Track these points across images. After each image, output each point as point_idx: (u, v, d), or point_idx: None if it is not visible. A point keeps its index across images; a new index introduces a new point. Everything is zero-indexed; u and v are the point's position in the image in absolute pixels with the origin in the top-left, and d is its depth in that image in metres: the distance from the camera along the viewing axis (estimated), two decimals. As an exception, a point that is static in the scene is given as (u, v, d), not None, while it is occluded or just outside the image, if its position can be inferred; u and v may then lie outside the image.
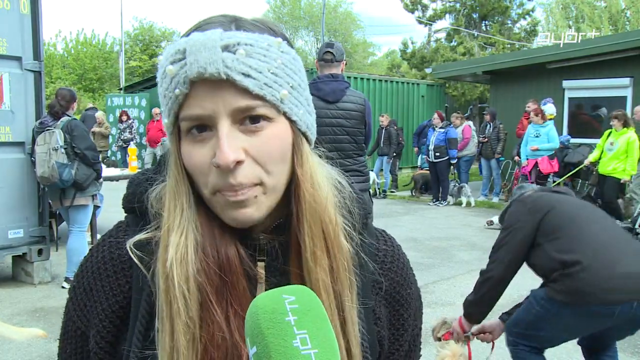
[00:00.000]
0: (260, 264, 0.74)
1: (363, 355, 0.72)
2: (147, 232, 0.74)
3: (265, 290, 0.71)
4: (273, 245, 0.74)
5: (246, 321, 0.58)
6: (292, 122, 0.70)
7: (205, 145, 0.67)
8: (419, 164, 13.64)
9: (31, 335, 3.19)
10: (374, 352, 0.77)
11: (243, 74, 0.65)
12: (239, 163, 0.65)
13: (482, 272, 2.74)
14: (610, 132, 8.09)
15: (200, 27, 0.69)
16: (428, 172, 11.76)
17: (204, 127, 0.67)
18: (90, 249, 0.81)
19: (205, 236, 0.69)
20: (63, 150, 4.88)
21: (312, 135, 0.75)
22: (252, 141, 0.66)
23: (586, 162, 9.02)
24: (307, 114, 0.73)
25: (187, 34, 0.68)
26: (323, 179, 0.74)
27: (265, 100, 0.66)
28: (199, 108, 0.65)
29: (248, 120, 0.66)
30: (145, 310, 0.72)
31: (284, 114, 0.69)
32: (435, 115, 10.95)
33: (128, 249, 0.73)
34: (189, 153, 0.68)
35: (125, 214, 0.80)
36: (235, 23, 0.69)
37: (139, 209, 0.76)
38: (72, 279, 4.18)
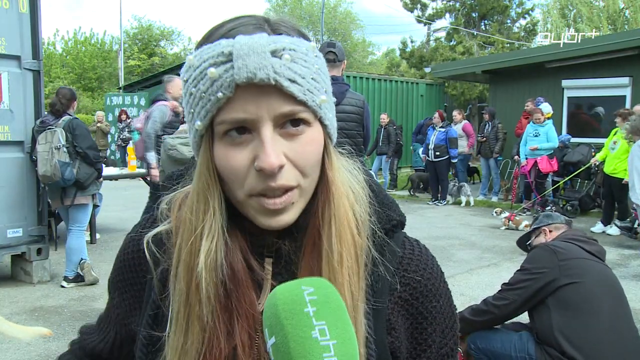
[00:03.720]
0: (268, 260, 0.75)
1: (368, 359, 0.71)
2: (160, 227, 0.79)
3: (272, 288, 0.71)
4: (282, 243, 0.74)
5: (264, 312, 0.58)
6: (324, 127, 0.71)
7: (244, 149, 0.66)
8: (413, 163, 13.75)
9: (36, 334, 3.18)
10: None
11: (290, 79, 0.65)
12: (280, 167, 0.65)
13: (487, 303, 2.73)
14: (617, 131, 8.02)
15: (235, 28, 0.68)
16: (425, 171, 11.81)
17: (243, 129, 0.66)
18: (126, 235, 0.88)
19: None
20: (65, 149, 4.88)
21: (335, 137, 0.76)
22: (291, 145, 0.67)
23: (593, 160, 8.99)
24: (333, 117, 0.75)
25: (224, 36, 0.67)
26: (350, 181, 0.75)
27: (307, 105, 0.67)
28: (242, 112, 0.65)
29: (288, 123, 0.67)
30: (154, 301, 0.77)
31: (319, 119, 0.70)
32: (436, 115, 10.95)
33: (144, 244, 0.78)
34: (226, 155, 0.67)
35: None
36: (269, 25, 0.69)
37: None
38: (71, 278, 4.22)
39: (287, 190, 0.67)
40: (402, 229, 0.82)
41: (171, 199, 0.78)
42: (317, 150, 0.70)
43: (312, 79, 0.68)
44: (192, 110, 0.69)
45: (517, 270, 2.68)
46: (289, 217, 0.69)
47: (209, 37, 0.69)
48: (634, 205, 6.45)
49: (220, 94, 0.64)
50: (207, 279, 0.68)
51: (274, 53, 0.65)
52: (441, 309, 0.80)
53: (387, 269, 0.75)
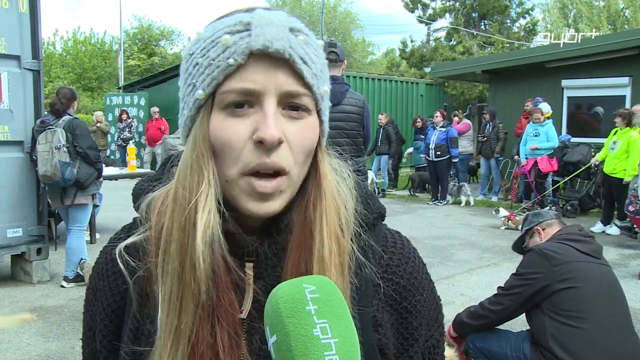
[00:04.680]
0: (249, 264, 0.72)
1: None
2: (136, 236, 0.74)
3: (254, 292, 0.71)
4: (262, 246, 0.72)
5: (266, 310, 0.58)
6: (321, 122, 0.71)
7: (244, 121, 0.65)
8: (406, 159, 13.84)
9: (20, 321, 3.17)
10: None
11: (302, 58, 0.65)
12: (279, 142, 0.64)
13: (483, 307, 2.74)
14: (616, 131, 8.01)
15: (253, 8, 0.68)
16: (424, 171, 11.83)
17: (243, 103, 0.65)
18: (100, 251, 0.82)
19: None
20: (65, 149, 4.88)
21: (326, 137, 0.75)
22: (291, 126, 0.66)
23: (593, 160, 8.99)
24: (327, 118, 0.75)
25: (243, 12, 0.68)
26: (338, 182, 0.75)
27: (311, 91, 0.67)
28: (250, 82, 0.64)
29: (289, 107, 0.66)
30: (135, 309, 0.73)
31: (318, 112, 0.70)
32: (438, 114, 10.95)
33: (117, 253, 0.74)
34: (224, 126, 0.65)
35: (134, 217, 0.81)
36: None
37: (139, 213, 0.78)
38: (71, 277, 4.23)
39: (278, 173, 0.65)
40: (382, 221, 0.82)
41: (151, 200, 0.75)
42: (312, 139, 0.69)
43: (319, 68, 0.69)
44: (194, 81, 0.67)
45: (512, 274, 2.67)
46: (276, 205, 0.67)
47: (225, 15, 0.69)
48: (627, 210, 6.45)
49: (231, 60, 0.64)
50: (205, 253, 0.65)
51: (291, 30, 0.66)
52: (425, 302, 0.80)
53: (370, 269, 0.75)
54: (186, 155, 0.69)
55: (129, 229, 0.79)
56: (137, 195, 0.79)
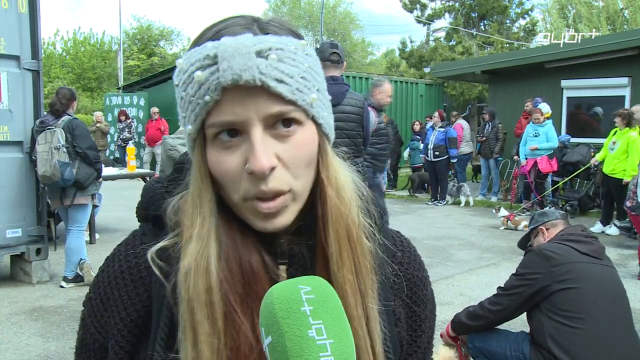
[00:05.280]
0: (282, 267, 0.73)
1: (386, 355, 0.72)
2: (168, 240, 0.73)
3: None
4: (295, 248, 0.73)
5: (261, 311, 0.58)
6: (318, 125, 0.70)
7: (235, 151, 0.66)
8: (405, 159, 13.88)
9: None
10: (396, 353, 0.76)
11: (276, 79, 0.64)
12: (272, 169, 0.64)
13: (483, 307, 2.74)
14: (616, 132, 8.00)
15: (222, 29, 0.67)
16: (424, 171, 11.84)
17: (234, 132, 0.65)
18: (106, 259, 0.80)
19: (227, 245, 0.69)
20: (64, 150, 4.88)
21: (332, 135, 0.74)
22: (283, 146, 0.66)
23: (593, 161, 8.99)
24: (329, 115, 0.73)
25: (211, 38, 0.66)
26: (346, 180, 0.74)
27: (296, 105, 0.66)
28: (231, 115, 0.64)
29: (280, 124, 0.66)
30: (168, 318, 0.71)
31: (312, 118, 0.69)
32: (436, 114, 10.97)
33: (149, 258, 0.72)
34: (218, 159, 0.66)
35: (141, 223, 0.80)
36: (258, 25, 0.68)
37: (155, 218, 0.76)
38: (70, 278, 4.22)
39: (278, 194, 0.66)
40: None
41: (175, 204, 0.74)
42: (310, 151, 0.68)
43: (301, 77, 0.66)
44: (184, 114, 0.68)
45: (512, 274, 2.67)
46: (283, 220, 0.68)
47: (198, 40, 0.68)
48: (625, 206, 6.44)
49: (207, 97, 0.64)
50: (200, 284, 0.65)
51: (259, 53, 0.63)
52: (428, 295, 0.87)
53: (388, 265, 0.78)
54: (190, 185, 0.70)
55: (142, 236, 0.78)
56: (152, 200, 0.78)
